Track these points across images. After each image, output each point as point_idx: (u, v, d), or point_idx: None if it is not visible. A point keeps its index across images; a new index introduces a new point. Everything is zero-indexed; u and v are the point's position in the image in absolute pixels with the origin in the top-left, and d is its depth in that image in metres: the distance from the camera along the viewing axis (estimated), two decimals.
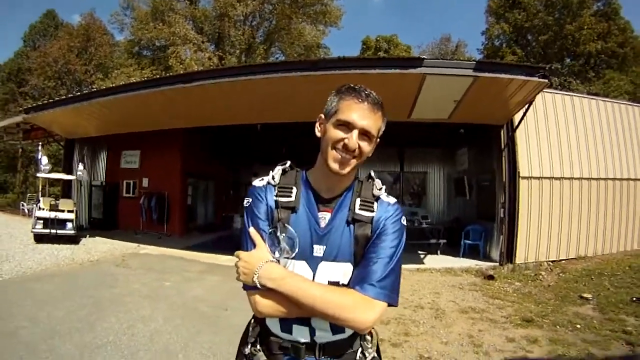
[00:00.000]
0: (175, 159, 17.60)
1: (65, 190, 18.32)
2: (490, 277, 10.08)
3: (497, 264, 11.56)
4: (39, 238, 13.44)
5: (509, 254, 11.48)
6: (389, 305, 1.58)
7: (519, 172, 11.50)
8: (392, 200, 1.72)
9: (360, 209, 1.64)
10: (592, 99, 13.02)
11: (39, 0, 77.00)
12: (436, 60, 10.45)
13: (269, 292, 1.54)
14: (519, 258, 11.48)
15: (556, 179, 11.90)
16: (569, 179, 12.02)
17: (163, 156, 17.54)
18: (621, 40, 31.01)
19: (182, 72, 24.30)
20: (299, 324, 1.60)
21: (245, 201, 1.72)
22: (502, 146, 11.68)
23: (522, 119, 10.89)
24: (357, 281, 1.56)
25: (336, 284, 1.60)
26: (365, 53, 37.56)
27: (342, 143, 1.55)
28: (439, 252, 13.36)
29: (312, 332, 1.61)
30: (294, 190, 1.68)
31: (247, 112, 11.76)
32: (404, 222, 1.69)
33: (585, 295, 8.25)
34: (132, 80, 23.98)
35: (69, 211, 13.99)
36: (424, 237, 14.32)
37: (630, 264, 10.94)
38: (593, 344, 5.74)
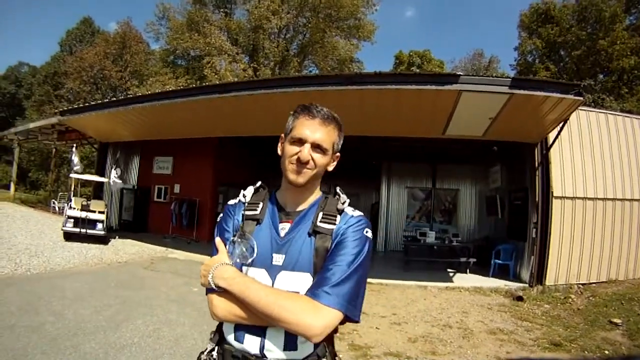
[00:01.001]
0: (207, 166, 17.86)
1: (97, 191, 18.65)
2: (520, 298, 9.90)
3: (527, 285, 11.32)
4: (69, 236, 13.69)
5: (539, 275, 11.23)
6: (347, 318, 1.54)
7: (552, 192, 11.28)
8: (357, 213, 1.73)
9: (321, 221, 1.66)
10: (626, 116, 12.68)
11: (75, 7, 79.42)
12: (472, 76, 10.33)
13: (224, 293, 1.56)
14: (549, 280, 11.22)
15: (590, 199, 11.63)
16: (602, 199, 11.73)
17: (195, 163, 17.85)
18: None
19: (217, 82, 24.52)
20: (252, 333, 1.58)
21: (218, 218, 1.85)
22: (536, 165, 11.47)
23: (556, 137, 10.70)
24: (311, 287, 1.55)
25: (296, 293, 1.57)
26: (398, 68, 37.54)
27: (296, 156, 1.64)
28: (468, 270, 13.14)
29: (263, 344, 1.57)
30: (261, 205, 1.76)
31: (281, 123, 11.74)
32: (368, 234, 1.67)
33: (614, 320, 8.04)
34: (167, 89, 24.36)
35: (99, 212, 14.28)
36: (453, 255, 14.18)
37: None
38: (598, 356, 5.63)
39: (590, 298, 10.21)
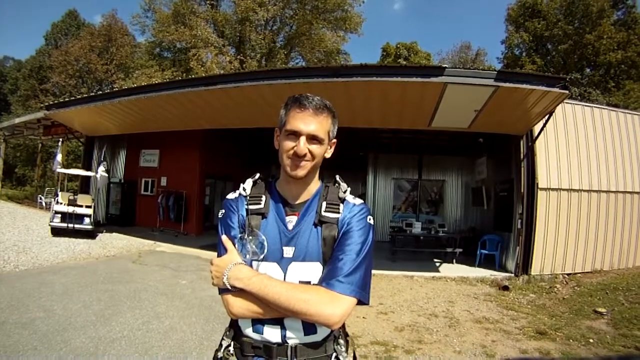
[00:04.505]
0: (194, 159, 17.83)
1: (83, 185, 18.54)
2: (505, 288, 10.01)
3: (513, 274, 11.45)
4: (56, 231, 13.67)
5: (525, 265, 11.37)
6: (360, 302, 1.61)
7: (537, 183, 11.39)
8: (358, 201, 1.78)
9: (326, 211, 1.71)
10: (612, 110, 12.82)
11: (61, 0, 78.47)
12: (458, 69, 10.38)
13: (240, 292, 1.60)
14: (535, 270, 11.36)
15: (574, 190, 11.76)
16: (587, 191, 11.87)
17: (182, 156, 17.81)
18: None
19: (203, 74, 24.42)
20: (270, 324, 1.64)
21: (220, 213, 1.82)
22: (521, 157, 11.58)
23: (542, 129, 10.79)
24: (324, 277, 1.61)
25: (307, 283, 1.64)
26: (385, 60, 37.47)
27: (292, 151, 1.65)
28: (454, 261, 13.26)
29: (284, 333, 1.63)
30: (264, 198, 1.77)
31: (268, 115, 11.77)
32: (371, 221, 1.74)
33: (599, 309, 8.15)
34: (153, 81, 24.19)
35: (87, 206, 14.22)
36: (440, 245, 14.30)
37: None
38: (598, 356, 5.71)
39: (576, 288, 10.33)
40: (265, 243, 1.65)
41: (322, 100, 1.70)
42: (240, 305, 1.60)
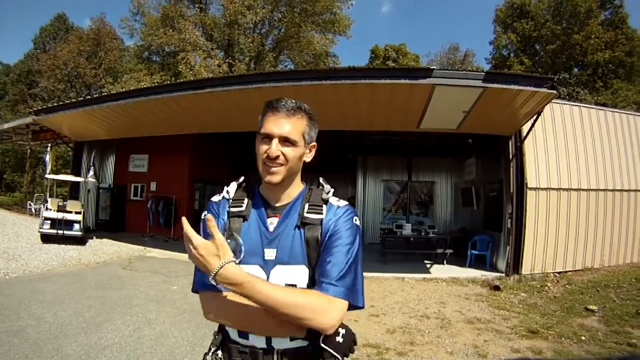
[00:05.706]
0: (183, 163, 17.80)
1: (72, 191, 18.43)
2: (496, 288, 10.05)
3: (504, 274, 11.50)
4: (46, 238, 13.58)
5: (516, 265, 11.43)
6: (353, 306, 1.59)
7: (526, 183, 11.46)
8: (343, 202, 1.75)
9: (308, 212, 1.68)
10: (600, 109, 12.94)
11: (49, 3, 78.02)
12: (445, 70, 10.46)
13: (218, 295, 1.59)
14: (525, 269, 11.42)
15: (564, 190, 11.85)
16: (576, 190, 11.97)
17: (171, 161, 17.75)
18: (628, 49, 30.90)
19: (191, 78, 24.38)
20: None
21: (203, 215, 1.74)
22: (510, 157, 11.65)
23: (530, 129, 10.87)
24: (316, 281, 1.58)
25: (293, 286, 1.60)
26: (374, 62, 37.59)
27: (266, 154, 1.62)
28: (445, 261, 13.28)
29: (269, 338, 1.60)
30: (246, 201, 1.75)
31: (256, 119, 11.73)
32: (357, 222, 1.71)
33: (590, 307, 8.20)
34: (141, 85, 24.16)
35: (76, 212, 14.12)
36: (430, 246, 14.30)
37: (636, 276, 10.78)
38: (598, 356, 5.73)
39: (567, 286, 10.40)
40: (243, 247, 1.63)
41: (297, 103, 1.69)
42: (218, 307, 1.60)
